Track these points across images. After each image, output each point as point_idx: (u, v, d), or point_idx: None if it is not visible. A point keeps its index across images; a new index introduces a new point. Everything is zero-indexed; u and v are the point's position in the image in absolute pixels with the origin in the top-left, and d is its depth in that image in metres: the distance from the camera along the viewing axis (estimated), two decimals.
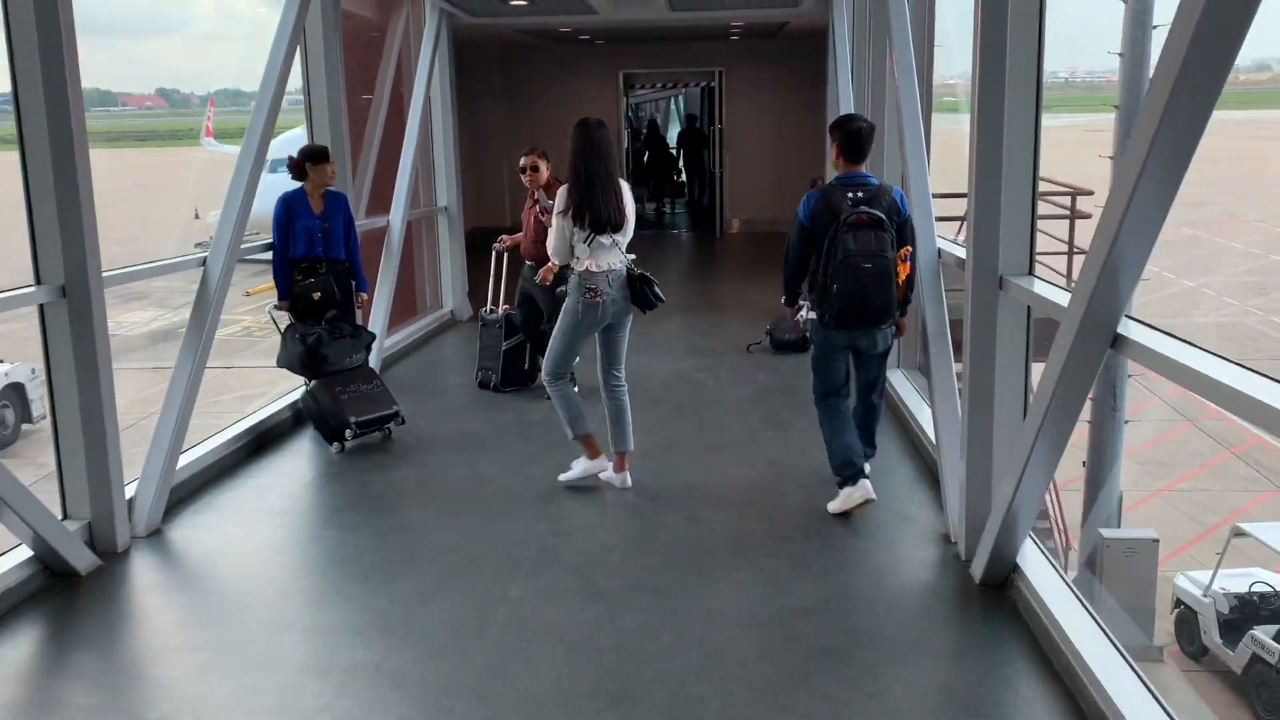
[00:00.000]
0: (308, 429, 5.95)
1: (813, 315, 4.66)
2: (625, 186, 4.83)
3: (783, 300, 4.96)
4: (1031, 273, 3.85)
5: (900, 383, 6.49)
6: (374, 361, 7.16)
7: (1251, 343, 21.12)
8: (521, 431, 5.99)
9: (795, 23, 11.53)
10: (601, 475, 4.97)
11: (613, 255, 4.69)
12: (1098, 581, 10.29)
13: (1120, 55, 11.92)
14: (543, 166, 6.29)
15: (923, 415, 5.67)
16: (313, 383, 5.78)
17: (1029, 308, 3.85)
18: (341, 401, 5.69)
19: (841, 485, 4.52)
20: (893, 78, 5.55)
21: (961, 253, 4.63)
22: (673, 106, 23.53)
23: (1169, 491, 15.12)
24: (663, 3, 9.41)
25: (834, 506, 4.54)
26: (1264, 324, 23.27)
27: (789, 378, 7.05)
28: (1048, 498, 11.20)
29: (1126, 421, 11.19)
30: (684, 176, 20.37)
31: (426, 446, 5.79)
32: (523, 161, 6.35)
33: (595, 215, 4.62)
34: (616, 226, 4.68)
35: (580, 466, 4.99)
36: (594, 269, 4.66)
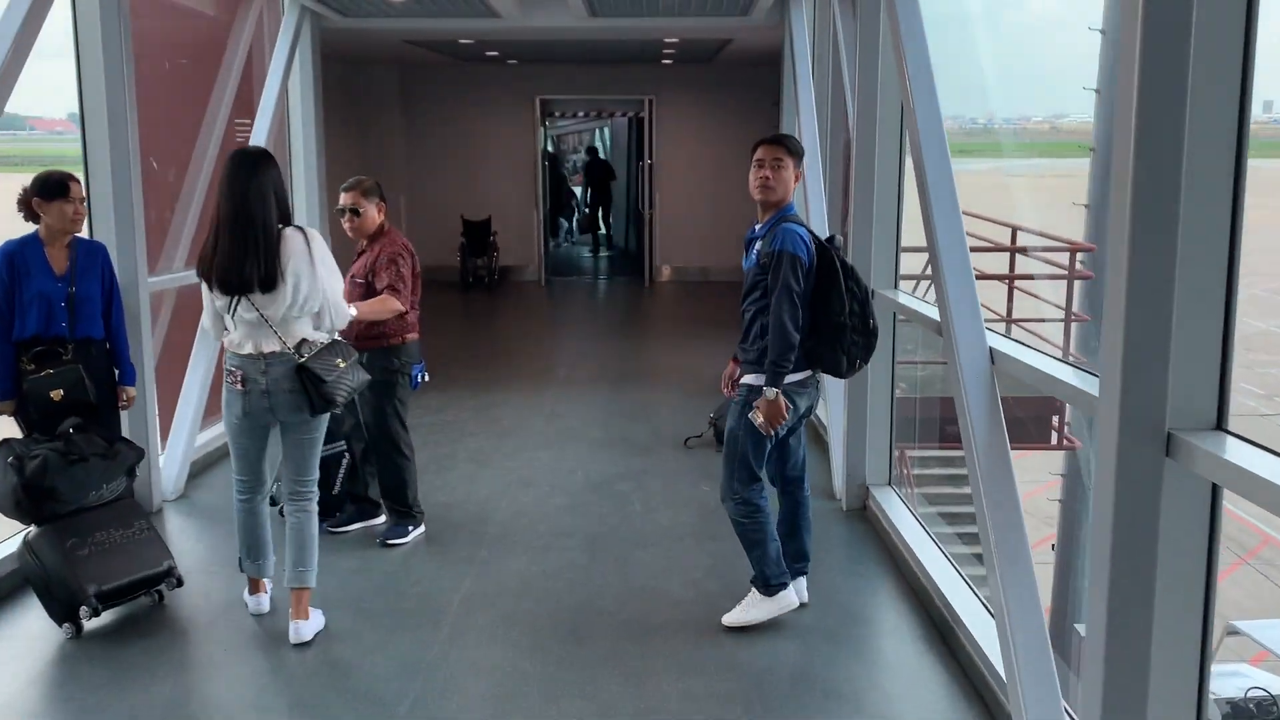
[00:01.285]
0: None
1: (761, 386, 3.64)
2: (295, 239, 3.54)
3: (767, 387, 3.57)
4: (1222, 426, 2.14)
5: (897, 512, 4.74)
6: (175, 472, 5.20)
7: None
8: (368, 598, 4.03)
9: (739, 41, 9.90)
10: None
11: (262, 334, 3.55)
12: (1073, 676, 8.82)
13: (1097, 91, 10.90)
14: (370, 207, 4.42)
15: (951, 590, 3.86)
16: (32, 531, 3.82)
17: (1214, 485, 2.15)
18: (75, 560, 3.73)
19: (779, 589, 3.80)
20: (909, 106, 3.84)
21: (1054, 369, 2.92)
22: (598, 139, 21.77)
23: None
24: (581, 8, 7.68)
25: (762, 614, 3.79)
26: None
27: None
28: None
29: None
30: (585, 211, 18.79)
31: (210, 626, 3.84)
32: (342, 200, 4.45)
33: (217, 275, 3.53)
34: (263, 289, 3.50)
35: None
36: (235, 350, 3.62)
